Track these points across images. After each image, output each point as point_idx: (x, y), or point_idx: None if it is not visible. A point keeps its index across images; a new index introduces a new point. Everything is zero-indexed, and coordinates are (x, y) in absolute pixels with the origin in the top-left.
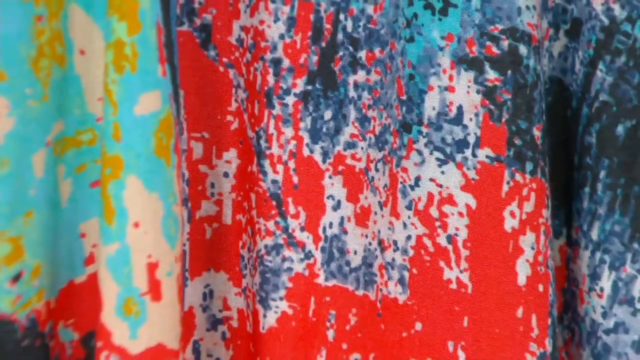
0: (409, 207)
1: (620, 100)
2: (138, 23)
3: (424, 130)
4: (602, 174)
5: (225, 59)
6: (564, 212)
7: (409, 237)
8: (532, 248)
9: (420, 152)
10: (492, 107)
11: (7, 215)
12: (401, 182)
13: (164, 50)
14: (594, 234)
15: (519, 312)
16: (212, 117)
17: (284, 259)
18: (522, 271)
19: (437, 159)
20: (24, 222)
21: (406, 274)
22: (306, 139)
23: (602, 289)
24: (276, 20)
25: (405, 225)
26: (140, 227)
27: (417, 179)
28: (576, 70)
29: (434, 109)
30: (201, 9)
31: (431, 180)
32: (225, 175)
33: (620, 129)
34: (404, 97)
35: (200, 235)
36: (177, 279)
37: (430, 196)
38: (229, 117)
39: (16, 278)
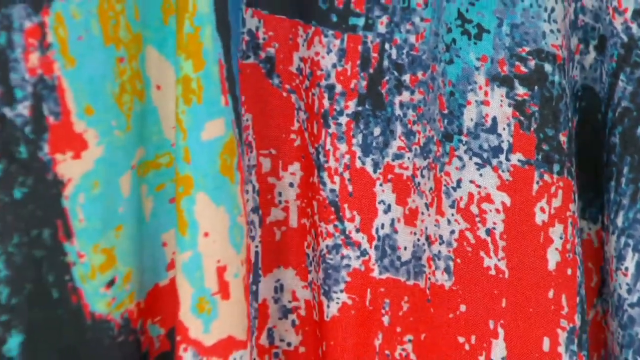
0: (452, 206)
1: (639, 107)
2: (202, 61)
3: (464, 139)
4: (625, 169)
5: (287, 86)
6: (601, 202)
7: (452, 232)
8: (561, 238)
9: (461, 158)
10: (522, 118)
11: (100, 230)
12: (445, 185)
13: (226, 83)
14: (619, 221)
15: (550, 293)
16: (277, 136)
17: (342, 257)
18: (552, 258)
19: (476, 164)
20: (115, 235)
21: (451, 263)
22: (358, 153)
23: (627, 269)
24: (329, 51)
25: (449, 221)
26: (209, 237)
27: (459, 181)
28: (603, 80)
29: (472, 120)
30: (265, 44)
31: (471, 182)
32: (291, 185)
33: (639, 131)
34: (446, 112)
35: (271, 238)
36: (244, 280)
37: (471, 196)
38: (292, 136)
39: (110, 283)
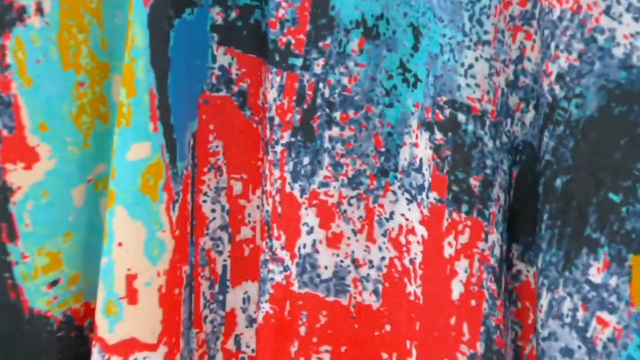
0: (384, 235)
1: (559, 160)
2: (134, 89)
3: (399, 176)
4: (545, 216)
5: (256, 118)
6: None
7: (383, 258)
8: (466, 271)
9: (395, 193)
10: (438, 160)
11: (46, 235)
12: (377, 215)
13: (157, 111)
14: (539, 263)
15: (452, 320)
16: (248, 162)
17: (269, 271)
18: (456, 289)
19: (407, 199)
20: (64, 240)
21: (380, 286)
22: (288, 179)
23: (542, 306)
24: (272, 87)
25: (380, 248)
26: (123, 246)
27: (392, 213)
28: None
29: (405, 159)
30: (238, 79)
31: (402, 215)
32: (258, 207)
33: (558, 182)
34: (382, 149)
35: (240, 253)
36: (160, 289)
37: (401, 227)
38: (259, 163)
39: (53, 284)
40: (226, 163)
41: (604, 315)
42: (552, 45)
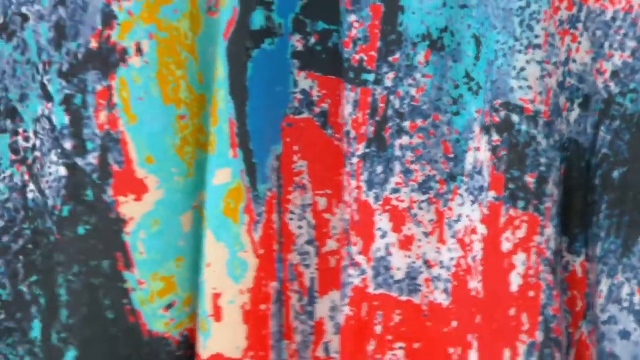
0: (453, 236)
1: (616, 153)
2: (217, 118)
3: (465, 179)
4: (603, 207)
5: (337, 135)
6: (584, 237)
7: (452, 259)
8: (523, 264)
9: (462, 196)
10: (495, 160)
11: (159, 261)
12: (447, 218)
13: (236, 138)
14: (598, 251)
15: (512, 311)
16: (331, 178)
17: (348, 276)
18: (515, 281)
19: (471, 201)
20: (176, 265)
21: (449, 285)
22: (364, 188)
23: (601, 291)
24: (347, 102)
25: (449, 249)
26: (210, 267)
27: (459, 215)
28: (587, 131)
29: (470, 164)
30: (319, 101)
31: (467, 216)
32: (342, 220)
33: (615, 174)
34: (451, 155)
35: (326, 265)
36: (243, 306)
37: (466, 228)
38: (342, 177)
39: (169, 306)
40: (310, 181)
41: None
42: (606, 44)
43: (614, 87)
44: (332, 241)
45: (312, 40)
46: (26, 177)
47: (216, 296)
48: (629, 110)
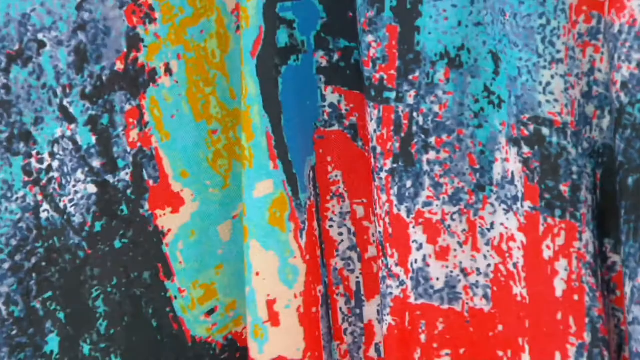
0: (487, 244)
1: (629, 160)
2: (252, 134)
3: (494, 189)
4: (622, 212)
5: (367, 147)
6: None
7: (489, 265)
8: (566, 270)
9: (492, 205)
10: (528, 172)
11: (198, 269)
12: (479, 227)
13: (274, 150)
14: (622, 255)
15: (559, 315)
16: (366, 188)
17: (387, 287)
18: (559, 286)
19: (504, 209)
20: (215, 272)
21: (489, 291)
22: (395, 202)
23: (625, 293)
24: (371, 119)
25: (485, 256)
26: (260, 275)
27: (492, 223)
28: None
29: (499, 174)
30: (348, 114)
31: (501, 224)
32: (375, 232)
33: (630, 180)
34: (477, 167)
35: (370, 270)
36: (298, 309)
37: (501, 236)
38: None
39: (211, 312)
40: (347, 190)
41: None
42: (616, 56)
43: (624, 98)
44: (373, 248)
45: (336, 56)
46: (39, 197)
47: (271, 302)
48: (638, 119)
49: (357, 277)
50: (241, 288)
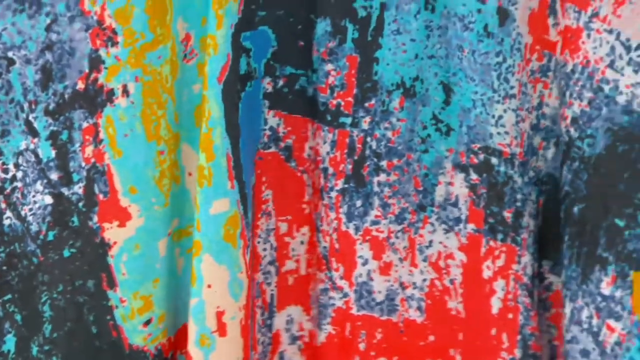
0: (424, 260)
1: (575, 190)
2: (213, 154)
3: (435, 210)
4: (566, 238)
5: (301, 168)
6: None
7: (424, 280)
8: (503, 290)
9: (432, 224)
10: (474, 197)
11: (139, 281)
12: (418, 244)
13: (233, 171)
14: (563, 277)
15: (493, 331)
16: (292, 205)
17: (330, 298)
18: (495, 305)
19: (444, 229)
20: (153, 285)
21: (423, 303)
22: (344, 220)
23: (565, 314)
24: (325, 142)
25: (422, 272)
26: (211, 288)
27: (431, 241)
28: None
29: (441, 196)
30: (285, 137)
31: (440, 242)
32: (302, 242)
33: (575, 209)
34: (420, 189)
35: (285, 283)
36: (241, 322)
37: (439, 253)
38: (304, 205)
39: (147, 322)
40: (274, 208)
41: (612, 322)
42: (567, 93)
43: (573, 132)
44: (291, 262)
45: (280, 82)
46: (3, 205)
47: (220, 314)
48: (586, 153)
49: (272, 290)
50: (170, 301)
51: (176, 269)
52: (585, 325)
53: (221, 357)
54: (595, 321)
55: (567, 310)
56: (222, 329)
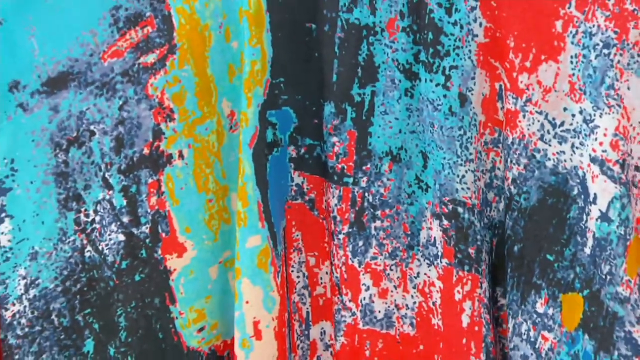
0: (414, 287)
1: (515, 234)
2: (247, 202)
3: (421, 249)
4: (509, 270)
5: (322, 216)
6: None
7: (414, 302)
8: (470, 308)
9: (419, 260)
10: (446, 238)
11: (194, 299)
12: (409, 275)
13: (263, 214)
14: (506, 301)
15: (464, 340)
16: (317, 244)
17: (342, 316)
18: (465, 320)
19: (427, 263)
20: (205, 301)
21: (414, 321)
22: (350, 256)
23: (508, 328)
24: (333, 197)
25: (412, 296)
26: (249, 303)
27: (418, 273)
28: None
29: (424, 238)
30: (309, 192)
31: (425, 274)
32: (326, 273)
33: (515, 248)
34: (408, 232)
35: (317, 304)
36: (274, 329)
37: (425, 282)
38: (324, 245)
39: (201, 329)
40: (304, 246)
41: (545, 333)
42: (509, 159)
43: (513, 189)
44: (320, 287)
45: (302, 150)
46: (85, 242)
47: (256, 323)
48: (523, 205)
49: (307, 308)
50: (223, 313)
51: (229, 289)
52: (525, 336)
53: (258, 356)
54: (532, 333)
55: (510, 325)
56: (258, 335)
